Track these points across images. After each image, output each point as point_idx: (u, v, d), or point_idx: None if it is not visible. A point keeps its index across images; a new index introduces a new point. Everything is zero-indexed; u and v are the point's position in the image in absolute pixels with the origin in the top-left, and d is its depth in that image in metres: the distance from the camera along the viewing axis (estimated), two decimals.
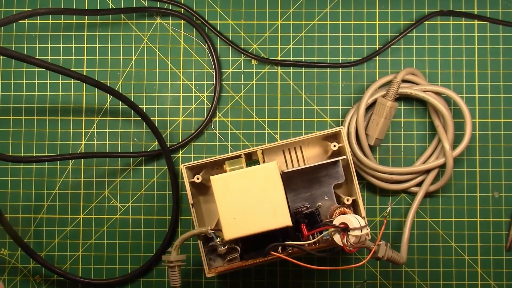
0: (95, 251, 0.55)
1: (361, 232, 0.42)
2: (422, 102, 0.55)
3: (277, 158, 0.51)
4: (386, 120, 0.52)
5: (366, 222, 0.45)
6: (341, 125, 0.53)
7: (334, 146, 0.48)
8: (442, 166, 0.53)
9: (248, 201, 0.45)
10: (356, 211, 0.48)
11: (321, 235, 0.45)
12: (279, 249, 0.46)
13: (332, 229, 0.43)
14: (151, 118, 0.54)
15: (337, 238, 0.43)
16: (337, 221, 0.44)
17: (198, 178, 0.48)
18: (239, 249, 0.47)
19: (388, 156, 0.55)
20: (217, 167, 0.50)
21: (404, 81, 0.53)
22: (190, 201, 0.48)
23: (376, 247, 0.46)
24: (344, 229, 0.43)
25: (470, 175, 0.54)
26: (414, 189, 0.53)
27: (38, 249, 0.54)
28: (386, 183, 0.53)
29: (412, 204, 0.53)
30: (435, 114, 0.53)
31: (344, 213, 0.47)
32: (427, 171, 0.53)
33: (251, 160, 0.49)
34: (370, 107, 0.54)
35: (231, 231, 0.45)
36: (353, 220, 0.43)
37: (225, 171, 0.47)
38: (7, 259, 0.55)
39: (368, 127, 0.53)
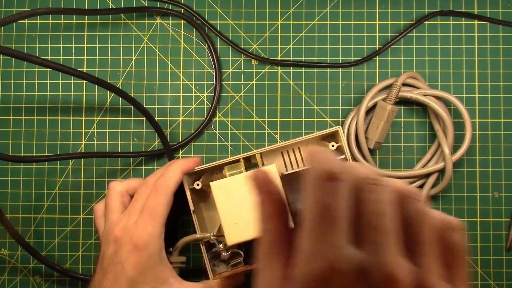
0: (95, 251, 0.55)
1: None
2: (422, 104, 0.55)
3: (276, 160, 0.51)
4: (386, 123, 0.52)
5: None
6: (341, 127, 0.53)
7: (333, 146, 0.49)
8: (442, 169, 0.53)
9: (249, 205, 0.45)
10: None
11: None
12: None
13: None
14: None
15: None
16: None
17: (198, 184, 0.48)
18: (243, 254, 0.47)
19: (388, 157, 0.55)
20: (217, 171, 0.50)
21: (404, 84, 0.53)
22: (192, 207, 0.48)
23: None
24: None
25: (470, 175, 0.54)
26: None
27: (38, 249, 0.54)
28: None
29: None
30: (435, 118, 0.53)
31: None
32: (427, 175, 0.53)
33: (250, 163, 0.49)
34: (370, 110, 0.53)
35: (233, 236, 0.45)
36: None
37: (225, 176, 0.47)
38: (7, 259, 0.55)
39: (368, 130, 0.53)
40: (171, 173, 0.46)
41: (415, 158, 0.55)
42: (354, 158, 0.52)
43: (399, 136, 0.55)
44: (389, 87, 0.53)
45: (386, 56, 0.55)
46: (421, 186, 0.53)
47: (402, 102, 0.55)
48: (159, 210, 0.45)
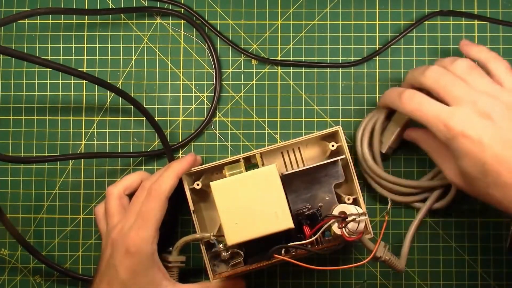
0: (95, 251, 0.55)
1: (359, 217, 0.42)
2: None
3: (276, 160, 0.51)
4: (402, 130, 0.51)
5: (365, 211, 0.45)
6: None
7: (333, 146, 0.49)
8: (448, 185, 0.52)
9: (249, 205, 0.45)
10: None
11: (321, 230, 0.44)
12: (283, 251, 0.46)
13: (333, 220, 0.43)
14: None
15: (335, 227, 0.43)
16: (336, 211, 0.43)
17: (198, 185, 0.48)
18: (243, 254, 0.47)
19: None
20: (217, 171, 0.50)
21: None
22: (191, 207, 0.48)
23: (377, 247, 0.45)
24: (344, 218, 0.42)
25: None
26: (417, 204, 0.53)
27: (38, 249, 0.54)
28: (390, 192, 0.52)
29: (413, 220, 0.52)
30: None
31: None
32: (433, 189, 0.52)
33: (250, 163, 0.49)
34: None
35: (233, 236, 0.45)
36: (351, 207, 0.43)
37: (225, 176, 0.47)
38: (7, 259, 0.55)
39: (383, 134, 0.53)
40: (165, 179, 0.47)
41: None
42: (364, 157, 0.52)
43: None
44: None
45: (386, 56, 0.55)
46: (425, 199, 0.53)
47: None
48: (152, 215, 0.46)
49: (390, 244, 0.54)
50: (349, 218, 0.42)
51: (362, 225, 0.42)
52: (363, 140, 0.52)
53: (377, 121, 0.52)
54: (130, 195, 0.49)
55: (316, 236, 0.45)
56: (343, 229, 0.42)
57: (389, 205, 0.47)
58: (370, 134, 0.52)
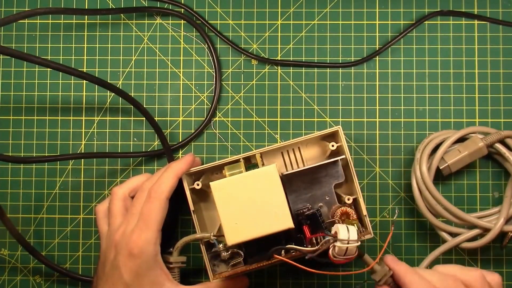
0: (95, 251, 0.55)
1: (348, 244, 0.40)
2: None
3: (276, 160, 0.51)
4: (467, 156, 0.51)
5: (359, 237, 0.41)
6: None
7: (333, 146, 0.48)
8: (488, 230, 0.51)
9: (249, 205, 0.45)
10: (357, 209, 0.48)
11: (324, 240, 0.43)
12: (282, 251, 0.46)
13: (323, 236, 0.42)
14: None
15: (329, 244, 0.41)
16: (333, 229, 0.42)
17: (198, 185, 0.48)
18: (243, 254, 0.47)
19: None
20: (217, 172, 0.50)
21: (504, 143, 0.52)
22: (191, 207, 0.48)
23: (373, 264, 0.43)
24: (334, 239, 0.41)
25: (470, 175, 0.54)
26: (445, 235, 0.52)
27: (38, 249, 0.54)
28: (431, 215, 0.52)
29: (431, 253, 0.52)
30: None
31: (346, 212, 0.47)
32: (473, 227, 0.51)
33: (250, 163, 0.49)
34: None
35: (233, 236, 0.45)
36: (343, 231, 0.41)
37: (225, 176, 0.47)
38: (7, 259, 0.55)
39: (447, 153, 0.52)
40: (164, 179, 0.47)
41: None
42: (421, 170, 0.51)
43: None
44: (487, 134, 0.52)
45: (386, 56, 0.55)
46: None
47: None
48: (153, 217, 0.46)
49: (390, 244, 0.54)
50: (337, 243, 0.40)
51: (352, 251, 0.40)
52: (424, 150, 0.52)
53: (446, 140, 0.51)
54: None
55: (317, 247, 0.42)
56: (331, 250, 0.41)
57: (396, 215, 0.46)
58: (432, 148, 0.52)
